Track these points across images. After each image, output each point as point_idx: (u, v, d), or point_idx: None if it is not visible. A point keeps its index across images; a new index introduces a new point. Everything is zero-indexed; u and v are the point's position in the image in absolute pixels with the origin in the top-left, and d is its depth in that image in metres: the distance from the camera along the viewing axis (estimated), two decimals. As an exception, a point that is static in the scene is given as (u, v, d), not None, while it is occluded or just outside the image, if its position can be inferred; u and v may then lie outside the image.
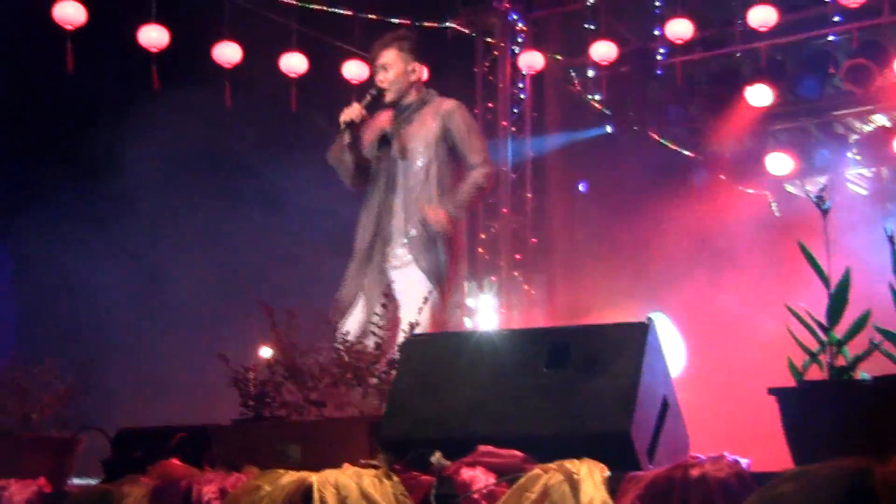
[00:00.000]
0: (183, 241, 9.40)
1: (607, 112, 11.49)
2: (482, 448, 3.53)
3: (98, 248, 9.01)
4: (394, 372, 4.04)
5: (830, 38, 10.14)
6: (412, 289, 5.47)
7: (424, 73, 5.98)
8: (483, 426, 3.67)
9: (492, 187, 5.97)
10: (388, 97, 5.83)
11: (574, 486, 3.24)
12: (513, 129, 10.73)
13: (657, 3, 10.31)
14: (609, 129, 11.50)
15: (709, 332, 9.96)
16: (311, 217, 9.62)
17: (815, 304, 3.37)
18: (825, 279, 3.35)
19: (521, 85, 10.77)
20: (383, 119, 5.91)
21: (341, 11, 10.05)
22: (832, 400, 3.18)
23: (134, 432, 4.53)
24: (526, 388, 3.69)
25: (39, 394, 4.63)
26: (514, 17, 10.68)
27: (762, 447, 3.60)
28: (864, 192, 11.75)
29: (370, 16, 10.13)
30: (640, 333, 3.67)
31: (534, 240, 10.67)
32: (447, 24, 10.69)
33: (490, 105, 10.75)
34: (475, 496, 3.41)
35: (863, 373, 3.26)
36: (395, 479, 3.58)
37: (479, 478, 3.45)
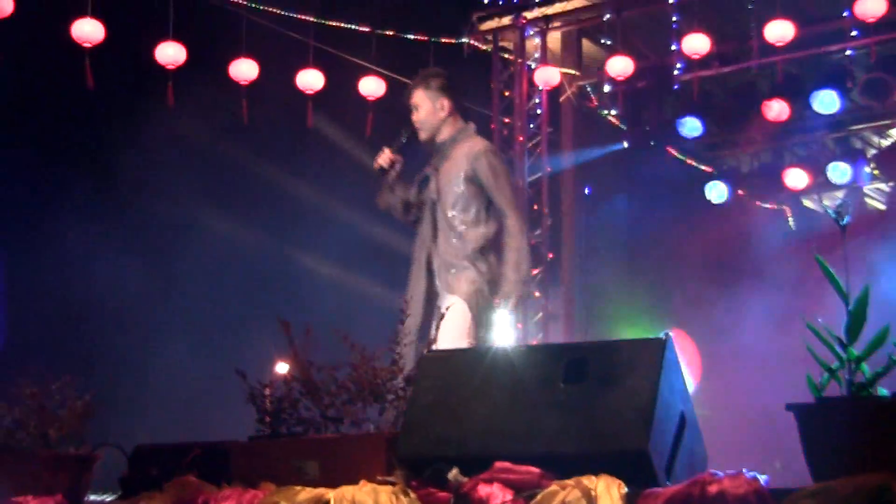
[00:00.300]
0: (203, 256, 9.44)
1: (623, 127, 11.50)
2: (499, 464, 3.52)
3: (117, 261, 9.05)
4: (411, 388, 4.03)
5: (848, 52, 10.13)
6: (452, 316, 5.50)
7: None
8: (500, 442, 3.65)
9: (525, 230, 6.01)
10: (422, 136, 5.91)
11: (591, 502, 3.23)
12: (529, 144, 10.73)
13: (674, 19, 10.30)
14: (625, 144, 11.51)
15: (726, 346, 9.94)
16: (330, 231, 9.66)
17: (834, 318, 3.36)
18: (844, 295, 3.33)
19: (537, 100, 10.77)
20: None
21: (358, 28, 10.09)
22: (851, 416, 3.17)
23: (151, 449, 4.52)
24: (543, 404, 3.68)
25: (58, 411, 4.64)
26: (531, 32, 10.69)
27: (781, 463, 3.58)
28: (882, 207, 11.72)
29: (387, 32, 10.17)
30: (657, 349, 3.65)
31: (550, 255, 10.65)
32: (464, 39, 10.71)
33: (507, 121, 10.76)
34: (492, 513, 3.40)
35: (882, 389, 3.25)
36: (413, 495, 3.57)
37: (496, 494, 3.43)
